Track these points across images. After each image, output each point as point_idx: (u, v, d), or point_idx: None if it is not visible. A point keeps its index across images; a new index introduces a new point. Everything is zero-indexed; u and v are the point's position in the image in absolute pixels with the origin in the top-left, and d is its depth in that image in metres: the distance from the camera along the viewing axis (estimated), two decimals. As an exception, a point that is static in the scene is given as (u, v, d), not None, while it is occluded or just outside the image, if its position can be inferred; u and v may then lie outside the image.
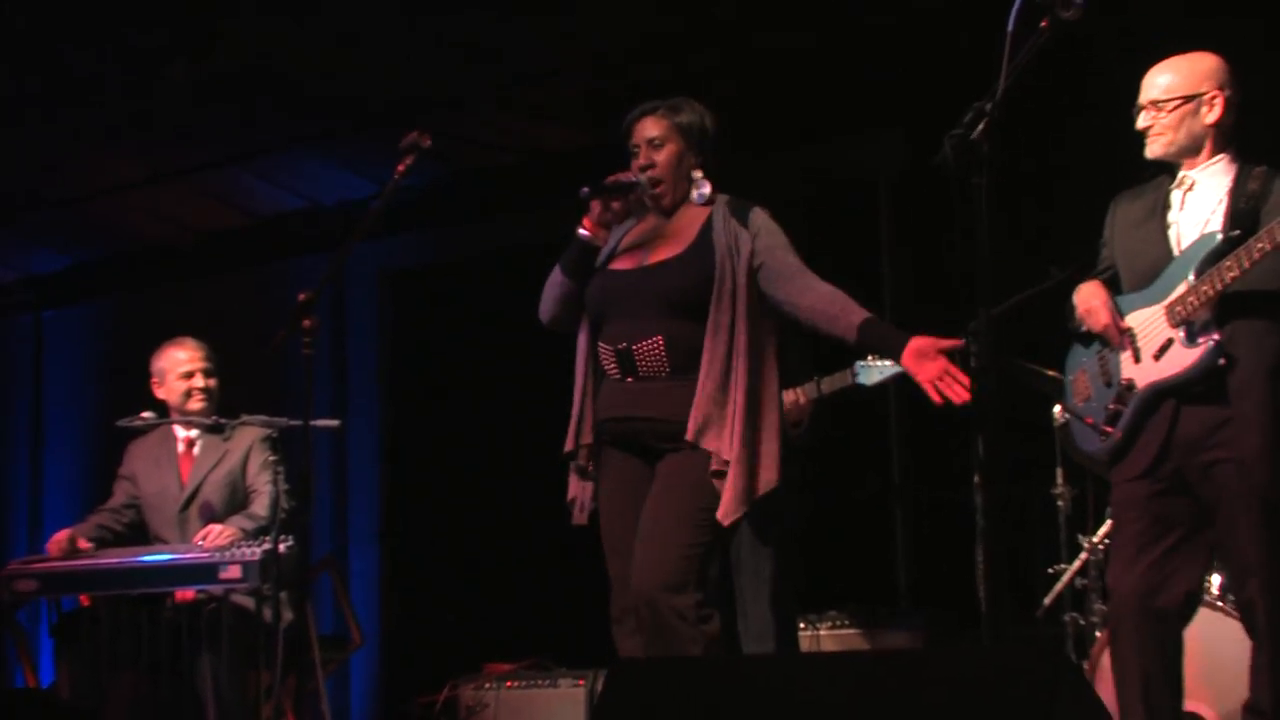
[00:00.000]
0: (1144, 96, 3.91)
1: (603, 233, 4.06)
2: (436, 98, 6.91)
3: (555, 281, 4.10)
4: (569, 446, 4.07)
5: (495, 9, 6.16)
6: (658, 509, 3.86)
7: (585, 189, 3.95)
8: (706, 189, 4.04)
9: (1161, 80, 3.89)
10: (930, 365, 3.69)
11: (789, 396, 4.92)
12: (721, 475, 3.82)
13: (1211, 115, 3.85)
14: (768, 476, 3.88)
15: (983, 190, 3.06)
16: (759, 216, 4.00)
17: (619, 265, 4.06)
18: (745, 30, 6.36)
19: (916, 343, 3.73)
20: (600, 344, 4.00)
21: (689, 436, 3.82)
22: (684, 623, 3.74)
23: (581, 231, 4.03)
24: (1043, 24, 3.13)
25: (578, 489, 4.11)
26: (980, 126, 3.08)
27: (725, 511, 3.81)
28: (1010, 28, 3.11)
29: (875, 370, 4.98)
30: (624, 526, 3.93)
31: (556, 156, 7.35)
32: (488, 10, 6.17)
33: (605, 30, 6.39)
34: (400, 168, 4.02)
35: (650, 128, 4.05)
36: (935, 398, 3.67)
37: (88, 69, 6.59)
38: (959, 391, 3.64)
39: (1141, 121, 3.91)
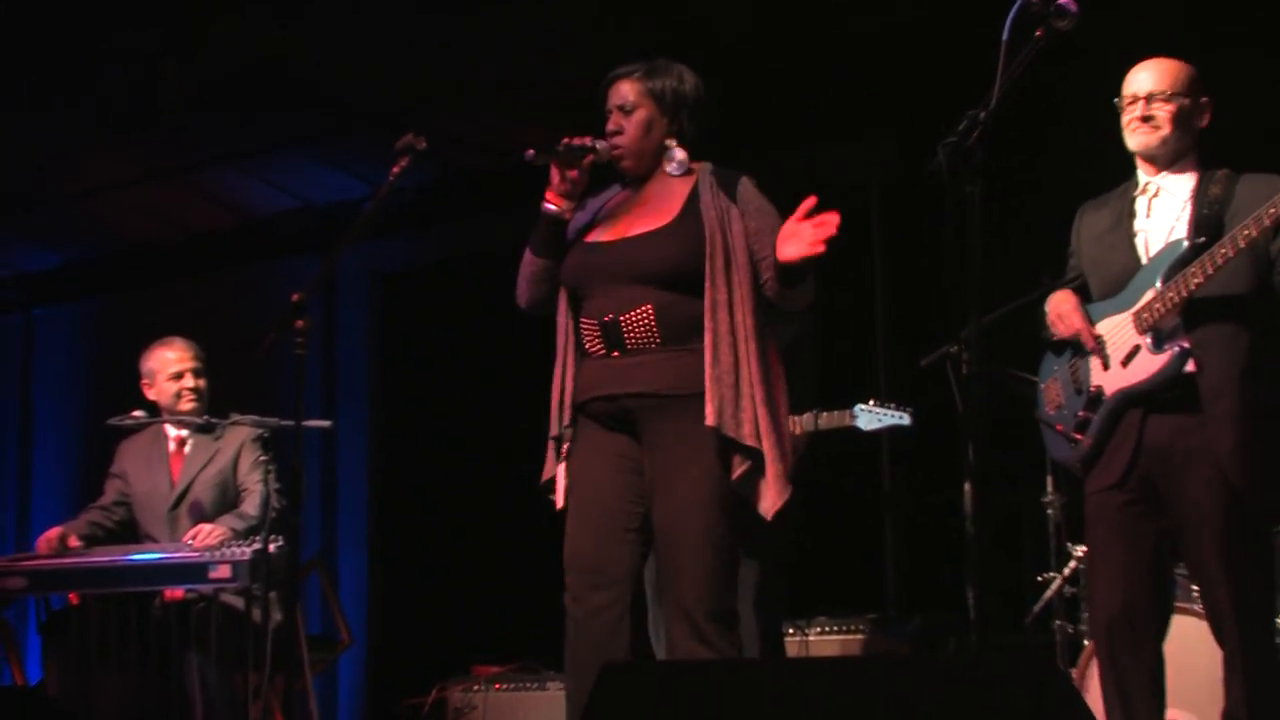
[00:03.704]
0: (1138, 88, 3.88)
1: (566, 204, 3.88)
2: (429, 99, 6.91)
3: (527, 261, 3.94)
4: (555, 431, 3.89)
5: (490, 12, 6.17)
6: (683, 510, 3.67)
7: (530, 151, 3.77)
8: (679, 155, 3.88)
9: (1159, 75, 3.88)
10: (797, 239, 3.58)
11: None
12: (749, 465, 3.67)
13: (1203, 120, 3.89)
14: (791, 459, 3.77)
15: (975, 198, 3.07)
16: (746, 189, 3.84)
17: (597, 237, 3.88)
18: (737, 35, 6.37)
19: (781, 232, 3.65)
20: (582, 319, 3.82)
21: (710, 421, 3.62)
22: (729, 645, 3.66)
23: (546, 205, 3.88)
24: (1037, 33, 3.14)
25: (554, 469, 3.91)
26: (974, 135, 3.09)
27: (770, 503, 3.69)
28: (1005, 37, 3.12)
29: (874, 417, 4.94)
30: (602, 496, 3.78)
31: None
32: (482, 13, 6.18)
33: (597, 34, 6.40)
34: (395, 169, 3.98)
35: (624, 92, 3.89)
36: (817, 249, 3.55)
37: (80, 67, 6.59)
38: (826, 228, 3.53)
39: (1137, 110, 3.87)
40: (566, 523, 3.85)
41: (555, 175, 3.86)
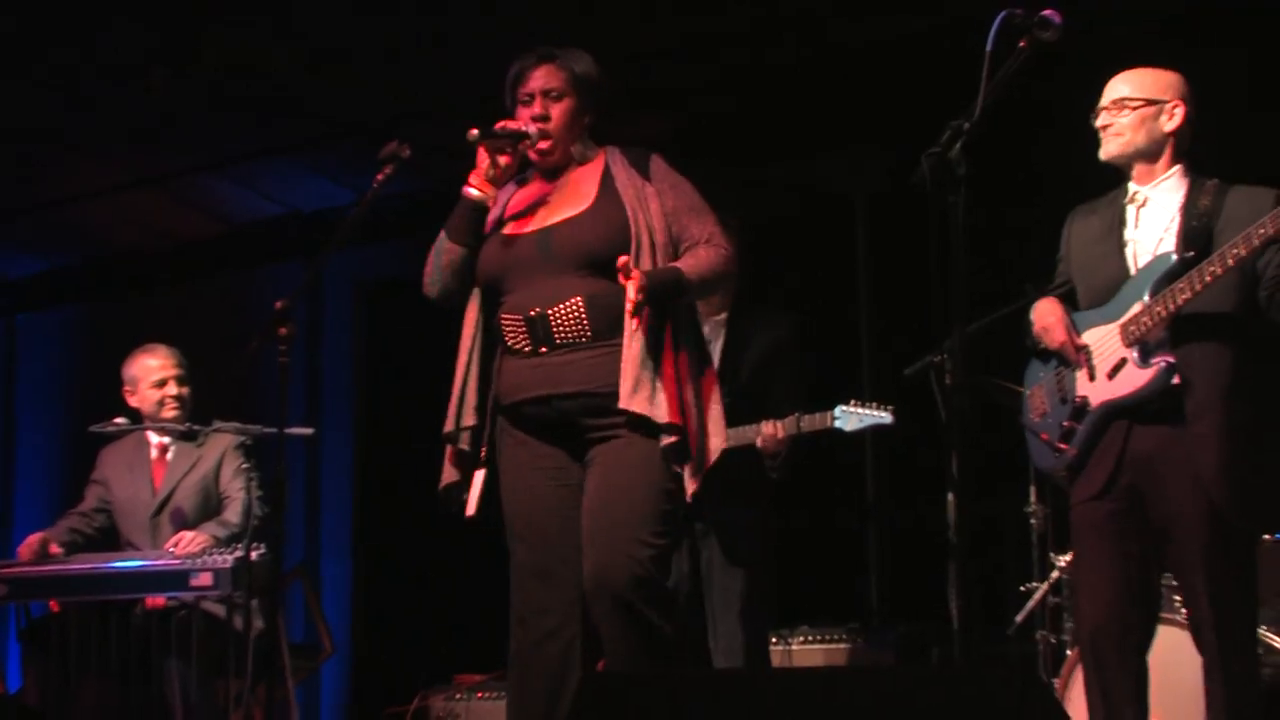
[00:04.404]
0: (1105, 99, 3.92)
1: (492, 190, 3.75)
2: (415, 108, 6.90)
3: (442, 249, 3.77)
4: (448, 428, 3.73)
5: (474, 21, 6.16)
6: (611, 494, 3.52)
7: (474, 131, 3.65)
8: (592, 154, 3.77)
9: (1125, 84, 3.91)
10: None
11: (767, 428, 4.89)
12: (674, 443, 3.51)
13: (1171, 123, 3.87)
14: (717, 442, 3.59)
15: (959, 208, 3.07)
16: (659, 165, 3.71)
17: (514, 230, 3.71)
18: (725, 47, 6.37)
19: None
20: (503, 315, 3.65)
21: (621, 403, 3.47)
22: (664, 621, 3.49)
23: (469, 190, 3.75)
24: (1021, 44, 3.15)
25: (454, 475, 3.75)
26: (957, 145, 3.09)
27: (687, 489, 3.54)
28: (989, 47, 3.12)
29: (855, 417, 4.94)
30: (539, 510, 3.65)
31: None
32: (467, 22, 6.18)
33: (581, 45, 6.38)
34: (379, 177, 3.94)
35: (547, 77, 3.74)
36: (630, 313, 3.47)
37: (66, 73, 6.57)
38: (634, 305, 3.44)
39: (1101, 120, 3.91)
40: (508, 544, 3.73)
41: (484, 159, 3.74)
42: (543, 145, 3.74)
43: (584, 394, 3.59)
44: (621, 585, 3.48)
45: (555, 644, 3.62)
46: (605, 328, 3.58)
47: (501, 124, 3.72)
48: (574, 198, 3.71)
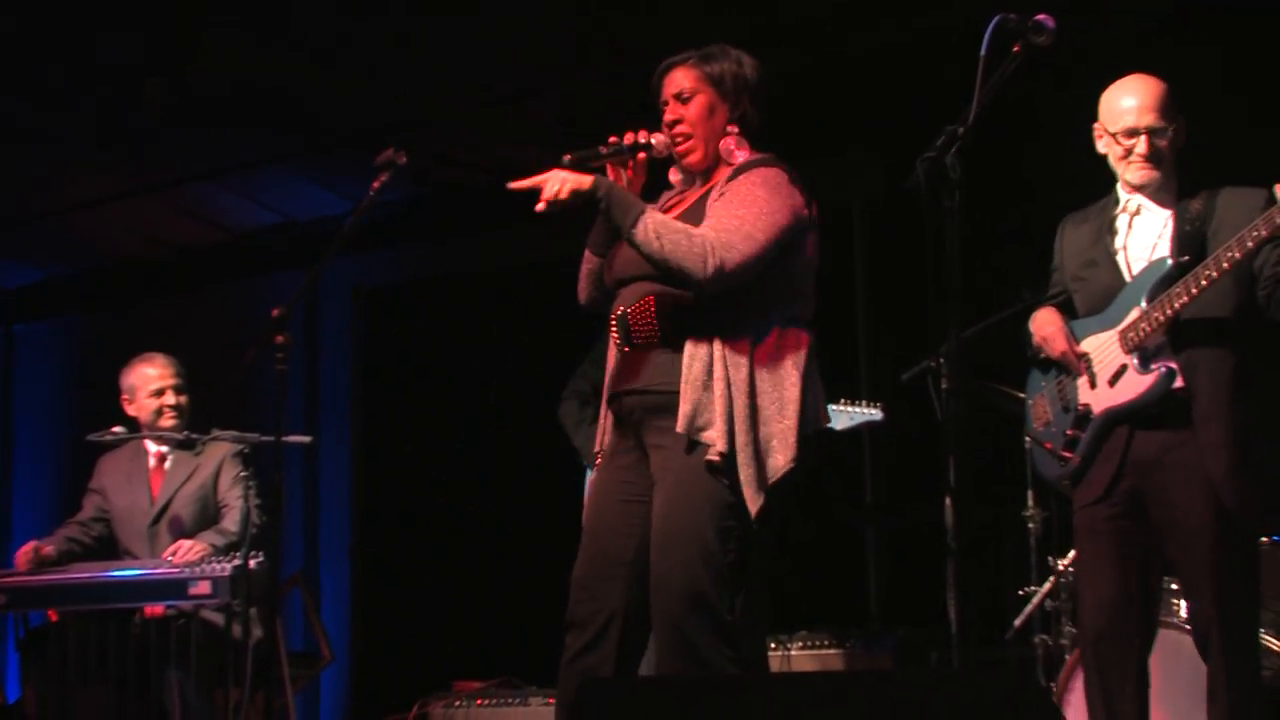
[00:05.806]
0: (1134, 122, 3.85)
1: None
2: (412, 116, 6.91)
3: (584, 258, 3.80)
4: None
5: (471, 30, 6.17)
6: (670, 516, 3.49)
7: (566, 156, 3.61)
8: (742, 156, 3.67)
9: (1153, 107, 3.84)
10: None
11: None
12: (716, 467, 3.45)
13: (1179, 140, 3.88)
14: (780, 459, 3.47)
15: (954, 213, 3.07)
16: (745, 176, 3.60)
17: None
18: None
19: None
20: (611, 316, 3.70)
21: (680, 428, 3.45)
22: (718, 654, 3.44)
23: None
24: (1015, 49, 3.15)
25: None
26: (951, 150, 3.09)
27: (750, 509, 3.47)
28: (983, 52, 3.12)
29: (845, 415, 4.93)
30: (601, 521, 3.65)
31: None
32: (464, 31, 6.19)
33: (578, 52, 6.40)
34: (376, 184, 3.95)
35: (679, 80, 3.70)
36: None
37: (63, 84, 6.58)
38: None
39: (1140, 147, 3.84)
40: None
41: (610, 173, 3.72)
42: (681, 148, 3.72)
43: (645, 390, 3.59)
44: (676, 606, 3.47)
45: (591, 658, 3.59)
46: (675, 329, 3.56)
47: (613, 139, 3.70)
48: (680, 206, 3.71)
